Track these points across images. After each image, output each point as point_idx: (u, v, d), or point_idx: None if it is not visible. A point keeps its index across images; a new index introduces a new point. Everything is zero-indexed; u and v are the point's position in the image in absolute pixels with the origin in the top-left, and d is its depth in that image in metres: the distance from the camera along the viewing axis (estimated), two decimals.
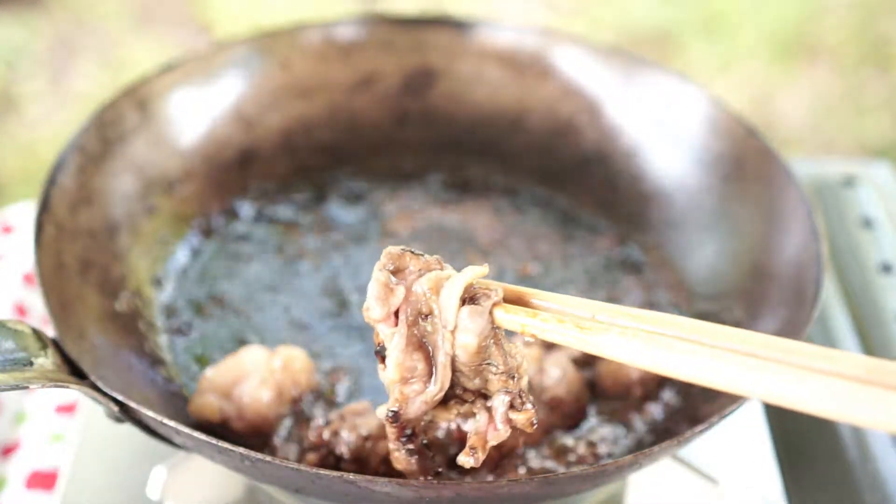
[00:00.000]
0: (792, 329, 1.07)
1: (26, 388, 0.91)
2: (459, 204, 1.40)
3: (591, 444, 1.08)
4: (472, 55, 1.44)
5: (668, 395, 1.14)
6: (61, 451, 1.18)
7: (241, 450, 0.89)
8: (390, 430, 0.85)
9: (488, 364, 0.82)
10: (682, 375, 0.73)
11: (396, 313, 0.82)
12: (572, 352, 1.13)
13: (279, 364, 1.08)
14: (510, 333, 0.84)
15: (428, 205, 1.39)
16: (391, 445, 0.86)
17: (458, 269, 0.83)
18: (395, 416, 0.83)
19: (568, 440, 1.08)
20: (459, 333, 0.80)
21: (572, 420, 1.10)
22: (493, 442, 0.83)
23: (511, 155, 1.44)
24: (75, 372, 0.96)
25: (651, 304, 1.26)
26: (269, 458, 0.88)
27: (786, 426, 1.22)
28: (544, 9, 2.95)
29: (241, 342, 1.19)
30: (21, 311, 1.33)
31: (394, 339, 0.82)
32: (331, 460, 1.02)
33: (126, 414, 0.97)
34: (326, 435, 1.02)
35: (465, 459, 0.83)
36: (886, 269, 1.38)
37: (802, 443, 1.21)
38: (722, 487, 1.09)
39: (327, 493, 0.93)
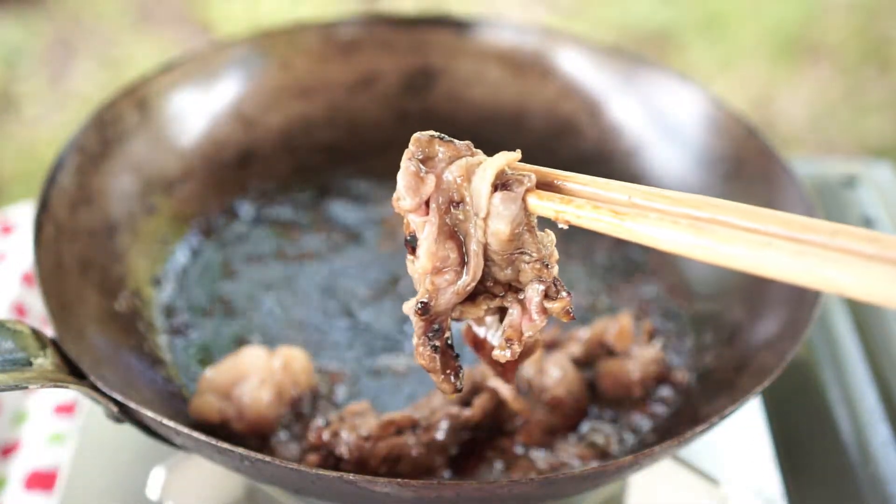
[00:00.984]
0: (792, 329, 1.07)
1: (26, 388, 0.91)
2: None
3: (591, 445, 1.08)
4: (472, 55, 1.44)
5: (668, 395, 1.14)
6: (61, 452, 1.18)
7: (241, 450, 0.89)
8: (418, 324, 0.81)
9: (521, 253, 0.79)
10: (725, 263, 0.70)
11: (427, 202, 0.79)
12: (572, 352, 1.13)
13: (279, 364, 1.08)
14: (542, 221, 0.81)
15: None
16: (416, 340, 0.83)
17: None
18: (425, 308, 0.80)
19: (568, 440, 1.08)
20: (492, 220, 0.78)
21: (572, 420, 1.10)
22: (528, 333, 0.81)
23: None
24: (75, 372, 0.96)
25: (651, 304, 1.26)
26: (268, 459, 0.88)
27: (786, 426, 1.22)
28: (544, 9, 2.95)
29: (241, 342, 1.18)
30: (20, 311, 1.33)
31: (425, 229, 0.79)
32: (331, 461, 1.01)
33: (125, 414, 0.97)
34: (326, 436, 1.02)
35: (500, 353, 0.81)
36: None
37: (803, 443, 1.21)
38: (722, 488, 1.08)
39: (327, 494, 0.93)
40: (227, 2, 2.93)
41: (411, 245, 0.81)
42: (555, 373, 1.09)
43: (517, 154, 0.79)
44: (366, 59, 1.44)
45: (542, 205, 0.78)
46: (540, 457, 1.05)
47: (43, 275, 1.06)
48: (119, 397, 0.94)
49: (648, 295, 1.28)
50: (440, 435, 1.02)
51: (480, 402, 1.05)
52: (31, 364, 0.92)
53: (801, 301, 1.10)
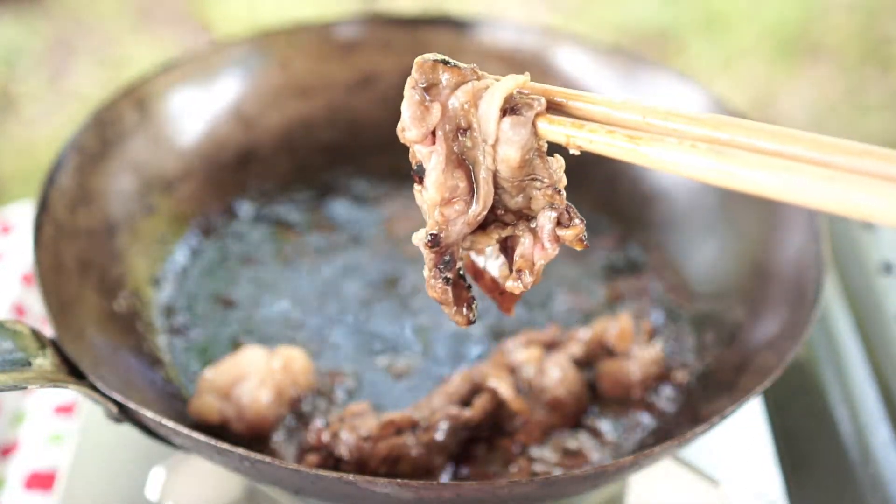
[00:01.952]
0: (792, 329, 1.07)
1: (25, 388, 0.91)
2: None
3: (591, 445, 1.08)
4: (473, 55, 1.44)
5: (668, 395, 1.13)
6: (60, 452, 1.18)
7: (241, 450, 0.88)
8: (428, 257, 0.79)
9: (532, 179, 0.77)
10: (748, 189, 0.67)
11: (434, 132, 0.76)
12: (573, 352, 1.13)
13: (279, 364, 1.08)
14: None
15: None
16: (427, 273, 0.80)
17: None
18: (435, 240, 0.78)
19: (568, 441, 1.08)
20: (501, 146, 0.75)
21: (572, 420, 1.10)
22: (540, 262, 0.79)
23: None
24: (74, 372, 0.96)
25: (651, 304, 1.26)
26: (268, 459, 0.88)
27: (787, 426, 1.22)
28: (544, 8, 2.94)
29: (241, 342, 1.18)
30: (20, 311, 1.32)
31: (432, 159, 0.76)
32: (330, 461, 1.01)
33: (125, 414, 0.96)
34: (326, 436, 1.02)
35: (513, 284, 0.79)
36: (888, 269, 1.37)
37: (803, 443, 1.21)
38: (723, 488, 1.08)
39: (327, 494, 0.92)
40: (227, 2, 2.93)
41: (418, 175, 0.78)
42: (555, 373, 1.09)
43: (526, 76, 0.76)
44: (365, 59, 1.44)
45: (552, 129, 0.75)
46: (540, 457, 1.05)
47: (42, 275, 1.06)
48: (118, 397, 0.94)
49: (648, 295, 1.28)
50: (440, 435, 1.02)
51: (480, 403, 1.05)
52: (30, 364, 0.92)
53: (802, 301, 1.10)
